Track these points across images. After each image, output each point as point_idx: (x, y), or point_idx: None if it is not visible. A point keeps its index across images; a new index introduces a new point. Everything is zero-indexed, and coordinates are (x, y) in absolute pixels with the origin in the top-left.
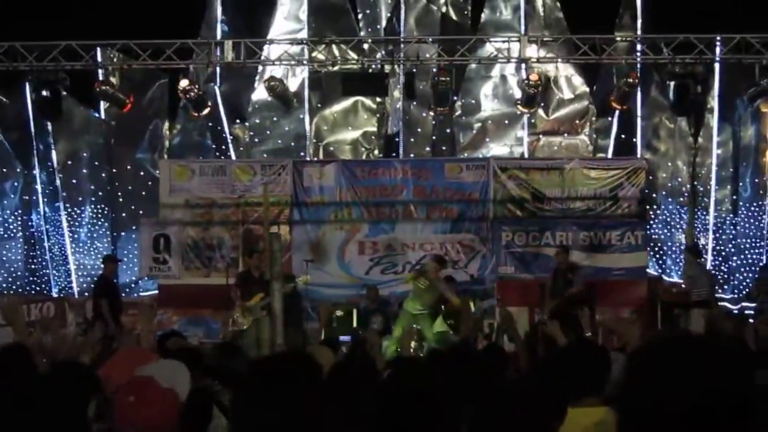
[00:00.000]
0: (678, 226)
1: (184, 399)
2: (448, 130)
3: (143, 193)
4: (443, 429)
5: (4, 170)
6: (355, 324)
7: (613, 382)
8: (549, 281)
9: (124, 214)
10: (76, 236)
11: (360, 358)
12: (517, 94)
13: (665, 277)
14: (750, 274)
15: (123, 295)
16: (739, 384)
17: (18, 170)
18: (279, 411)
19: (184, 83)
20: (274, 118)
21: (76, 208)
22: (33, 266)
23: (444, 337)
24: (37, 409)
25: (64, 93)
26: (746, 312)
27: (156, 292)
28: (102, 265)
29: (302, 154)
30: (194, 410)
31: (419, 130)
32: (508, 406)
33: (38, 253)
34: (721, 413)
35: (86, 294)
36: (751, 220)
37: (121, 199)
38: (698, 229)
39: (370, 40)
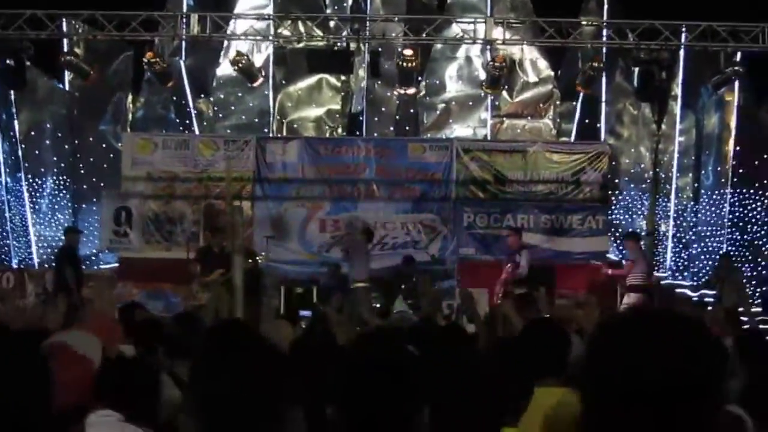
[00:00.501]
0: (639, 212)
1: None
2: (411, 110)
3: (105, 165)
4: (409, 402)
5: None
6: (315, 301)
7: (573, 362)
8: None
9: (85, 186)
10: (37, 207)
11: (320, 333)
12: (482, 76)
13: (625, 262)
14: (710, 262)
15: (83, 267)
16: (699, 360)
17: None
18: (233, 379)
19: (149, 55)
20: (239, 94)
21: (37, 179)
22: None
23: (403, 316)
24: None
25: (28, 63)
26: (705, 300)
27: (116, 264)
28: (63, 236)
29: (266, 130)
30: (108, 379)
31: (383, 109)
32: (477, 384)
33: None
34: (682, 389)
35: (46, 265)
36: (712, 209)
37: (83, 171)
38: (659, 216)
39: (336, 18)
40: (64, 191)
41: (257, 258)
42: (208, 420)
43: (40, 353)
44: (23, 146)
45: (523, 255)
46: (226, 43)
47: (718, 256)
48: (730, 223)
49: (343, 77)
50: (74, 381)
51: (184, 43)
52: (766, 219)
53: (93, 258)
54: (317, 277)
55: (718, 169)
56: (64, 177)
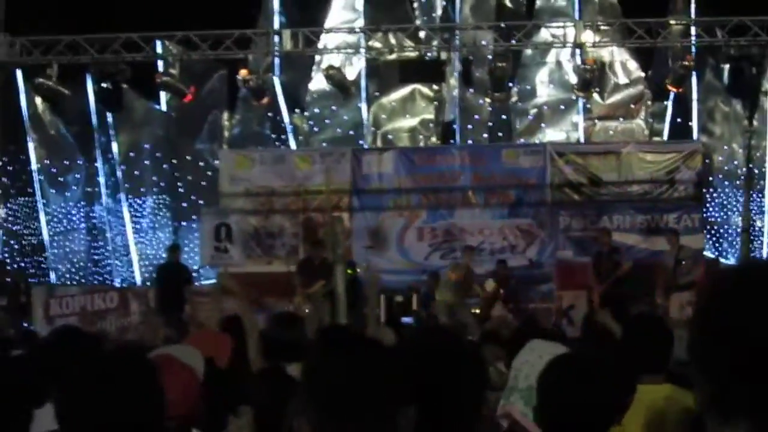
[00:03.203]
0: (734, 208)
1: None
2: (504, 117)
3: (204, 183)
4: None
5: (67, 162)
6: (415, 308)
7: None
8: (590, 266)
9: (185, 204)
10: (138, 227)
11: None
12: (573, 79)
13: (722, 260)
14: None
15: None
16: None
17: (80, 162)
18: (349, 376)
19: (243, 73)
20: (333, 108)
21: (137, 199)
22: (96, 257)
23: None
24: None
25: (125, 85)
26: None
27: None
28: (166, 255)
29: (361, 142)
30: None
31: (476, 116)
32: (588, 383)
33: (101, 244)
34: None
35: (148, 284)
36: None
37: (181, 190)
38: (754, 212)
39: (426, 28)
40: (164, 210)
41: (357, 269)
42: (324, 418)
43: (150, 366)
44: (123, 167)
45: (622, 252)
46: (318, 57)
47: None
48: None
49: (435, 87)
50: (181, 392)
51: (277, 59)
52: None
53: (194, 275)
54: (417, 285)
55: None
56: (164, 196)
